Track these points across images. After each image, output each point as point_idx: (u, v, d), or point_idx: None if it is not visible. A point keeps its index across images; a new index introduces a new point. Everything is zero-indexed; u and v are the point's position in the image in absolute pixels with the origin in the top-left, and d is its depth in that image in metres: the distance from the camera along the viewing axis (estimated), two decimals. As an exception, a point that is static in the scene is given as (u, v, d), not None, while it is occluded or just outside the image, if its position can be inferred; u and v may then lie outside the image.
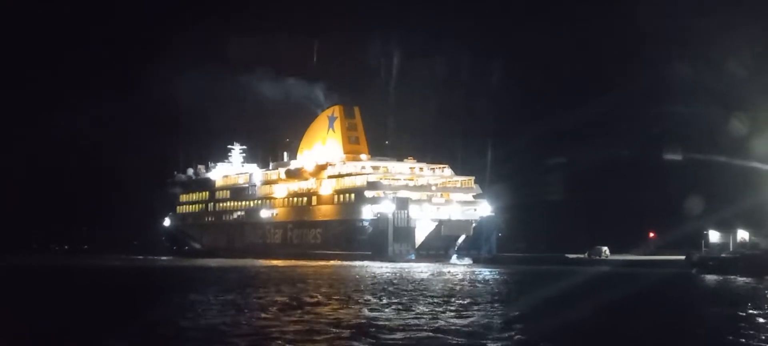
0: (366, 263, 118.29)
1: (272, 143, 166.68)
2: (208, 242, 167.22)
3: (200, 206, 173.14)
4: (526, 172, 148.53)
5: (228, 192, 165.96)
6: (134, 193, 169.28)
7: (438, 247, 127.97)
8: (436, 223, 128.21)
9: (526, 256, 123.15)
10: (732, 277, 79.11)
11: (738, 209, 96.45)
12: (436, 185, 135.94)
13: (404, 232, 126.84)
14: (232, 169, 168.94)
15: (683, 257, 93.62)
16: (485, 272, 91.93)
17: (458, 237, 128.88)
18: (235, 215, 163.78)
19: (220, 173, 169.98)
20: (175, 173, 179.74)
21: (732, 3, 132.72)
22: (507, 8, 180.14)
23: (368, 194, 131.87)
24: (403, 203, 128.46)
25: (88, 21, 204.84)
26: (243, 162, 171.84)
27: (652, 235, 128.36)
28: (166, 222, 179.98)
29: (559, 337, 36.69)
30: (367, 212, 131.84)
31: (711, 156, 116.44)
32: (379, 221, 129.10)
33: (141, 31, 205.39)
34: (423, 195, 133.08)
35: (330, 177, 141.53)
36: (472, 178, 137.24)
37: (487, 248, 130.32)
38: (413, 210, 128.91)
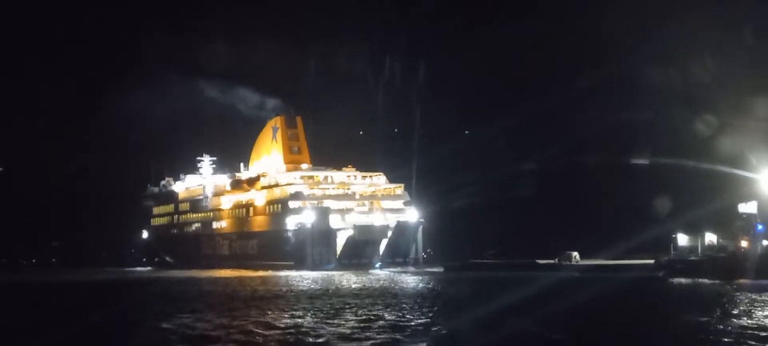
0: (287, 272, 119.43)
1: (238, 154, 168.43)
2: (174, 253, 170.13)
3: (168, 218, 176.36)
4: (493, 175, 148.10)
5: (188, 204, 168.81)
6: (106, 206, 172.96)
7: (360, 255, 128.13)
8: (352, 230, 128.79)
9: (496, 262, 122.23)
10: (700, 280, 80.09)
11: (706, 212, 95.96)
12: (361, 193, 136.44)
13: (323, 241, 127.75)
14: (194, 181, 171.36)
15: (652, 261, 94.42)
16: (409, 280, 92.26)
17: (377, 243, 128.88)
18: (193, 227, 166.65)
19: (183, 186, 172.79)
20: (148, 185, 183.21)
21: (697, 7, 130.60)
22: (473, 9, 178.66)
23: (292, 204, 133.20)
24: (323, 212, 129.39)
25: (61, 28, 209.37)
26: (213, 173, 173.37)
27: None
28: (144, 234, 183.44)
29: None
30: (291, 222, 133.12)
31: (678, 159, 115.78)
32: (300, 231, 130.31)
33: (109, 43, 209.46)
34: (349, 204, 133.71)
35: (262, 188, 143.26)
36: (402, 185, 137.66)
37: (414, 253, 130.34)
38: (334, 219, 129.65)
